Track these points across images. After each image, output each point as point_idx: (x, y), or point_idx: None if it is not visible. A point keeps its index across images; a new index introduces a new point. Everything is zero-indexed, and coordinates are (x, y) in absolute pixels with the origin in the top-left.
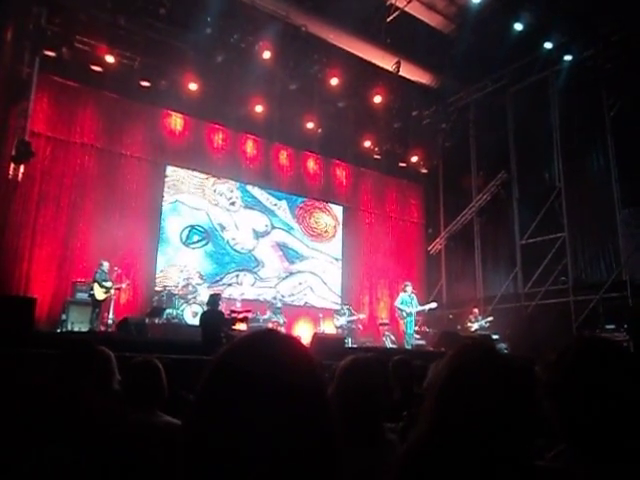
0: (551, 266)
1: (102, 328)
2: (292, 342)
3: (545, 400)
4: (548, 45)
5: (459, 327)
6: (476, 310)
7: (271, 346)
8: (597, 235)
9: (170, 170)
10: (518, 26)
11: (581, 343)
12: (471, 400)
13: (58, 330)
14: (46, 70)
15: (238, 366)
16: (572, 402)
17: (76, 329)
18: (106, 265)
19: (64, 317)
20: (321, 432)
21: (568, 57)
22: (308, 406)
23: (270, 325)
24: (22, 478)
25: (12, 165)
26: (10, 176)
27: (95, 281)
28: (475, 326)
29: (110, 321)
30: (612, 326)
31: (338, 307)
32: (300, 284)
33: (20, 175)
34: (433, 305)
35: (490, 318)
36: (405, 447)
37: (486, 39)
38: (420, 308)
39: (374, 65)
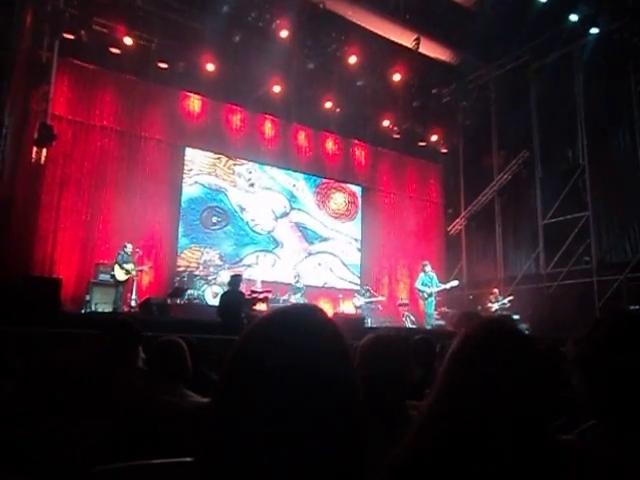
0: (574, 246)
1: (125, 309)
2: (328, 327)
3: (574, 375)
4: (573, 18)
5: (479, 308)
6: (496, 290)
7: (301, 330)
8: (622, 214)
9: (189, 152)
10: None
11: (616, 315)
12: (478, 368)
13: (83, 311)
14: (65, 53)
15: (261, 349)
16: (605, 376)
17: (100, 310)
18: (129, 247)
19: (88, 298)
20: (348, 426)
21: (594, 30)
22: (337, 402)
23: None
24: (53, 452)
25: (35, 149)
26: (33, 160)
27: (116, 263)
28: (495, 306)
29: (133, 302)
30: (636, 307)
31: (357, 287)
32: (319, 265)
33: (43, 158)
34: (455, 283)
35: (510, 297)
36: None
37: (508, 13)
38: (442, 287)
39: (393, 42)
